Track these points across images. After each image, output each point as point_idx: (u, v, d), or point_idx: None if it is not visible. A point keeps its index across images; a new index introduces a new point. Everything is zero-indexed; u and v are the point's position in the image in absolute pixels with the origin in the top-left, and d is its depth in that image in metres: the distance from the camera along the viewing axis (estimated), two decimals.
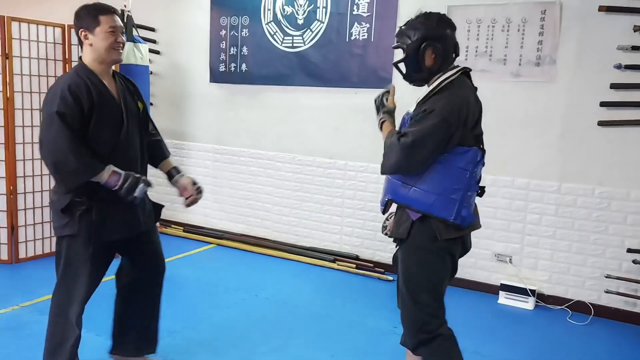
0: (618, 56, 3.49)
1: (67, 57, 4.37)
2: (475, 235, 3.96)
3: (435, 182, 2.02)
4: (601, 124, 3.58)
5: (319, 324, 3.44)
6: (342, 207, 4.63)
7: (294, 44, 4.70)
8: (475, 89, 2.14)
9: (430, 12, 2.11)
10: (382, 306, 3.83)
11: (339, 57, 4.49)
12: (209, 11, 5.08)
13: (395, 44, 2.15)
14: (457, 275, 4.01)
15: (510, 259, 3.95)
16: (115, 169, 2.22)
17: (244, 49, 4.96)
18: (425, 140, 1.93)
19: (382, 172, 2.08)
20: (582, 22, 3.59)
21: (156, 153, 2.63)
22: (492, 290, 4.01)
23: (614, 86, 3.51)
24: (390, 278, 4.26)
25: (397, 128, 2.16)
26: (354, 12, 4.39)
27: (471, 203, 2.06)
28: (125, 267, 2.62)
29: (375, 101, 2.23)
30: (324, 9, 4.54)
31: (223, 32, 5.04)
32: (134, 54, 4.51)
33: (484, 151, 2.10)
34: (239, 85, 5.02)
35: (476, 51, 3.95)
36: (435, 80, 2.07)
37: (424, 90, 2.11)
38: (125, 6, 4.65)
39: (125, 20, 4.60)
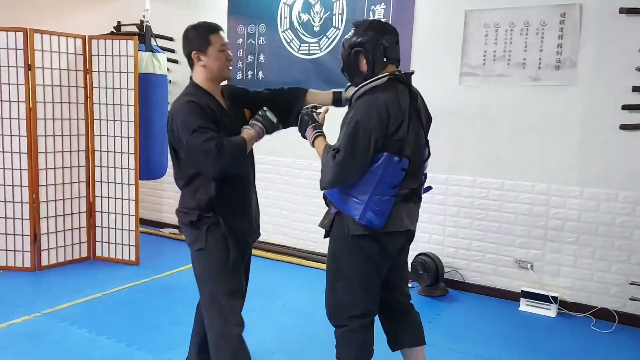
0: (639, 58, 3.44)
1: (87, 67, 4.44)
2: (495, 241, 3.97)
3: None
4: (623, 127, 3.51)
5: None
6: None
7: (310, 51, 4.71)
8: (414, 94, 2.20)
9: (362, 20, 2.25)
10: None
11: None
12: (226, 20, 5.12)
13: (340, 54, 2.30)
14: (478, 281, 4.07)
15: (532, 266, 3.89)
16: (247, 127, 2.26)
17: (261, 57, 4.99)
18: (353, 152, 2.04)
19: (322, 188, 2.18)
20: (603, 24, 3.53)
21: (290, 98, 2.52)
22: (513, 297, 3.95)
23: (636, 89, 3.44)
24: (409, 285, 4.22)
25: None
26: (370, 18, 4.39)
27: (382, 207, 2.10)
28: None
29: (304, 115, 2.33)
30: (340, 16, 4.55)
31: (240, 40, 5.08)
32: (153, 63, 4.57)
33: (406, 157, 2.13)
34: None
35: (494, 55, 3.91)
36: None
37: None
38: (143, 16, 4.73)
39: (144, 31, 4.68)
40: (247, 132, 2.24)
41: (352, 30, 2.22)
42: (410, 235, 2.29)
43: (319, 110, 2.37)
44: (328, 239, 2.34)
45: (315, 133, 2.27)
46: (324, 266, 4.82)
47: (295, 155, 4.87)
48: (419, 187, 2.27)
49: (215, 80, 2.28)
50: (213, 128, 2.13)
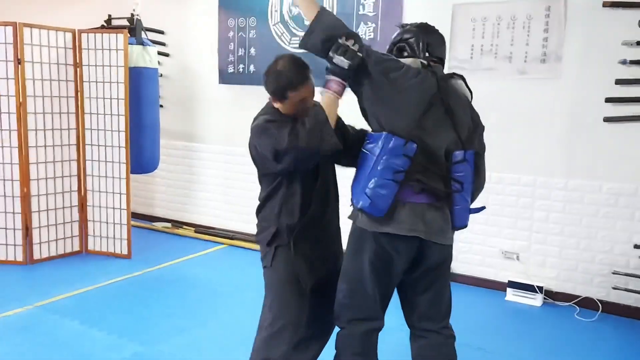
0: (623, 51, 3.48)
1: (77, 61, 4.45)
2: (482, 233, 4.03)
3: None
4: (607, 120, 3.57)
5: None
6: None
7: None
8: (445, 88, 2.05)
9: (410, 23, 2.24)
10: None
11: None
12: (217, 13, 5.13)
13: None
14: (465, 272, 4.14)
15: (518, 256, 3.95)
16: (322, 91, 2.02)
17: (252, 50, 5.01)
18: None
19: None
20: (587, 17, 3.58)
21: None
22: (500, 287, 4.01)
23: (619, 82, 3.50)
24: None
25: None
26: (360, 12, 4.42)
27: (378, 191, 1.94)
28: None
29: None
30: (330, 9, 4.56)
31: (231, 34, 5.10)
32: (143, 57, 4.58)
33: (414, 143, 1.93)
34: (248, 86, 5.06)
35: (481, 49, 3.95)
36: None
37: None
38: (134, 10, 4.73)
39: (134, 24, 4.68)
40: (324, 97, 2.01)
41: (398, 31, 2.21)
42: (429, 248, 2.00)
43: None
44: None
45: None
46: None
47: None
48: (448, 192, 2.01)
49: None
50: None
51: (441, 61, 2.15)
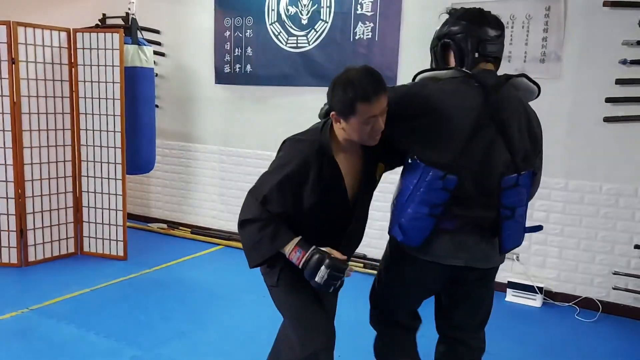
0: (623, 51, 3.47)
1: (72, 60, 4.39)
2: None
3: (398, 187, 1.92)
4: (607, 120, 3.56)
5: None
6: None
7: (299, 44, 4.70)
8: (496, 101, 1.76)
9: (459, 8, 1.88)
10: None
11: (344, 57, 4.48)
12: (213, 12, 5.09)
13: None
14: None
15: (518, 257, 3.94)
16: (302, 242, 1.81)
17: (249, 50, 4.97)
18: None
19: None
20: (587, 17, 3.57)
21: None
22: (500, 287, 3.99)
23: (620, 82, 3.49)
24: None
25: None
26: (358, 12, 4.39)
27: (412, 225, 1.77)
28: None
29: None
30: (328, 9, 4.54)
31: (227, 33, 5.06)
32: (139, 56, 4.54)
33: (455, 174, 1.72)
34: (244, 86, 5.02)
35: None
36: None
37: None
38: (129, 9, 4.69)
39: (130, 23, 4.64)
40: (289, 245, 1.82)
41: (445, 19, 1.87)
42: (470, 271, 1.86)
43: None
44: None
45: None
46: None
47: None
48: (497, 220, 1.80)
49: (353, 143, 1.85)
50: (280, 204, 1.85)
51: (496, 60, 1.83)
